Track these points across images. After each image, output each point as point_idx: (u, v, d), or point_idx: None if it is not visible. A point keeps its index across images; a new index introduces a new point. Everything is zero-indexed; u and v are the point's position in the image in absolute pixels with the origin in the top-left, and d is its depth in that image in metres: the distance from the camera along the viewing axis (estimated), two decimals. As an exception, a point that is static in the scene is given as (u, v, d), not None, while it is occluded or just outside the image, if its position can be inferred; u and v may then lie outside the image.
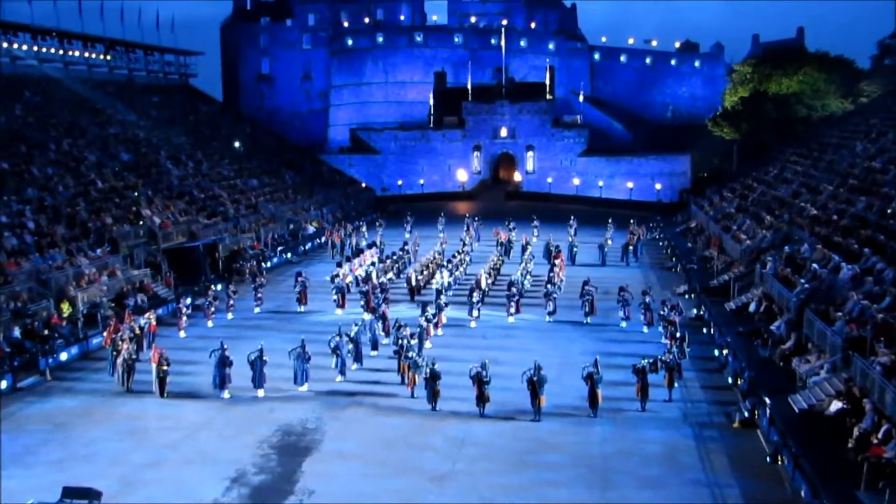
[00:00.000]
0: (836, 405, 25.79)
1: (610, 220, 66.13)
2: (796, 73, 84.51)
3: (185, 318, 39.76)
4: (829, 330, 29.48)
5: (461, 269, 51.15)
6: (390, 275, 50.21)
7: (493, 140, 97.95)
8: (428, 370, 28.68)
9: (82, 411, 28.77)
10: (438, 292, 42.73)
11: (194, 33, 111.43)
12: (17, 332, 34.39)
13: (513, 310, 41.68)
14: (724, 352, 33.37)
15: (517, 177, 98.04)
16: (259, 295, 44.57)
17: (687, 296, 45.63)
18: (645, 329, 39.00)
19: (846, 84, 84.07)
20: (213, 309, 41.47)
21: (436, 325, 38.30)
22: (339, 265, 50.23)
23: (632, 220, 65.53)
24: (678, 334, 34.21)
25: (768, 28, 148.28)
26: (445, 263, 50.35)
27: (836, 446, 24.04)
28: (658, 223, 71.21)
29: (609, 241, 59.02)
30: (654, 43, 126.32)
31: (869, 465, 21.61)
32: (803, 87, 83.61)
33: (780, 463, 23.42)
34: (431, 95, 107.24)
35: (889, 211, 39.91)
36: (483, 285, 44.82)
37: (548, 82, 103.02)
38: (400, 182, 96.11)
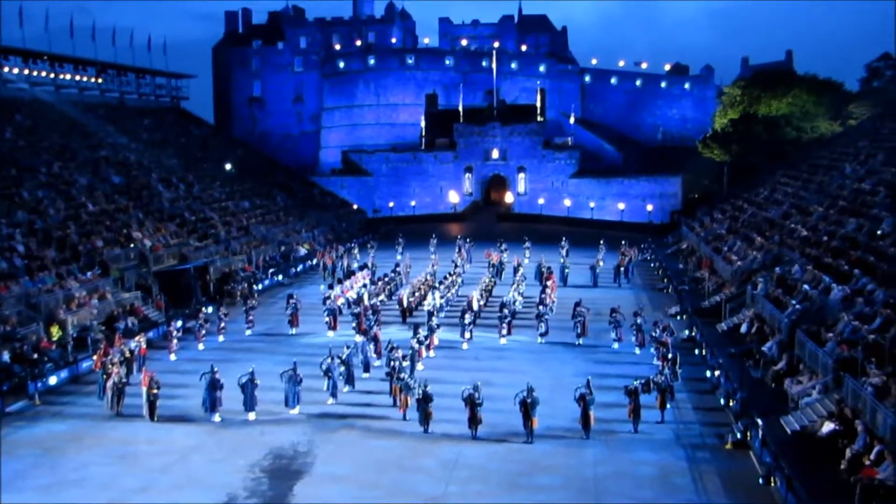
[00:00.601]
0: (828, 426, 25.78)
1: (601, 242, 66.36)
2: (786, 96, 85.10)
3: (175, 340, 39.60)
4: (820, 351, 29.50)
5: (453, 290, 51.17)
6: (382, 296, 50.14)
7: (485, 162, 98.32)
8: (420, 392, 28.58)
9: (72, 436, 28.53)
10: (430, 314, 42.63)
11: (186, 56, 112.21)
12: (6, 357, 34.11)
13: (505, 331, 41.65)
14: (716, 373, 33.36)
15: (509, 198, 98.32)
16: (250, 317, 44.46)
17: (679, 317, 45.69)
18: (637, 350, 38.98)
19: (835, 106, 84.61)
20: (203, 331, 41.32)
21: (428, 347, 38.25)
22: (331, 287, 50.18)
23: (623, 242, 65.81)
24: (670, 355, 34.20)
25: (757, 51, 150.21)
26: (437, 285, 50.37)
27: (828, 468, 24.01)
28: (649, 244, 71.48)
29: (601, 263, 59.18)
30: (645, 65, 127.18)
31: (861, 486, 21.55)
32: (793, 110, 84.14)
33: (773, 484, 23.34)
34: (423, 117, 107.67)
35: (879, 232, 40.06)
36: (475, 307, 44.82)
37: (539, 104, 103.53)
38: (391, 204, 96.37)
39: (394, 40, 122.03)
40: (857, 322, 30.25)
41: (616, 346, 40.00)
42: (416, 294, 49.14)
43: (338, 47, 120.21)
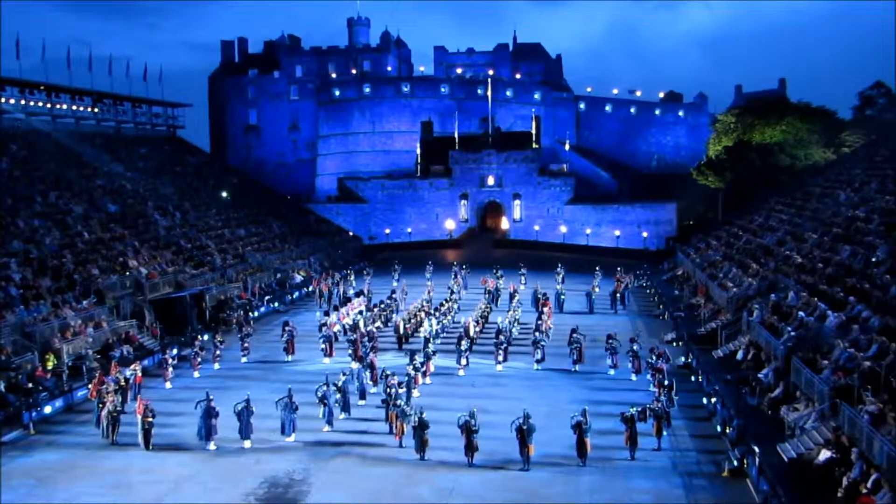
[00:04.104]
0: (825, 454, 25.73)
1: (597, 268, 66.41)
2: (779, 123, 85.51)
3: (170, 368, 39.57)
4: (816, 378, 29.48)
5: (449, 317, 51.13)
6: (378, 323, 50.06)
7: (480, 188, 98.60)
8: (416, 419, 28.53)
9: (66, 465, 28.41)
10: (426, 340, 42.61)
11: (182, 86, 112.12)
12: (0, 386, 34.01)
13: (501, 358, 41.57)
14: (713, 400, 33.31)
15: (504, 225, 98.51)
16: (246, 344, 44.40)
17: (674, 343, 45.68)
18: (633, 377, 38.92)
19: (828, 134, 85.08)
20: (199, 359, 41.23)
21: (424, 374, 38.18)
22: (327, 314, 50.14)
23: (619, 268, 65.86)
24: (666, 382, 34.13)
25: (750, 79, 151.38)
26: (433, 311, 50.35)
27: (825, 495, 23.92)
28: (645, 271, 71.61)
29: (596, 289, 59.19)
30: (639, 93, 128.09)
31: (859, 513, 21.52)
32: (786, 137, 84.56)
33: (770, 512, 23.28)
34: (418, 145, 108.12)
35: (873, 259, 40.17)
36: (471, 333, 44.79)
37: (534, 131, 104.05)
38: (387, 231, 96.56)
39: (389, 68, 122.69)
40: (852, 349, 30.24)
41: (612, 372, 39.97)
42: (412, 321, 49.11)
43: (333, 76, 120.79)
